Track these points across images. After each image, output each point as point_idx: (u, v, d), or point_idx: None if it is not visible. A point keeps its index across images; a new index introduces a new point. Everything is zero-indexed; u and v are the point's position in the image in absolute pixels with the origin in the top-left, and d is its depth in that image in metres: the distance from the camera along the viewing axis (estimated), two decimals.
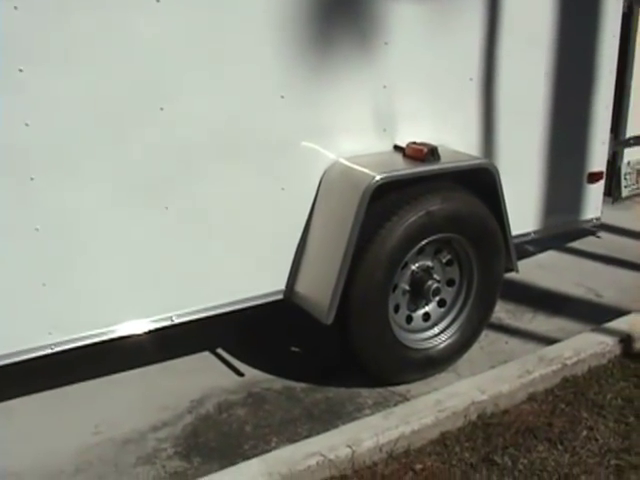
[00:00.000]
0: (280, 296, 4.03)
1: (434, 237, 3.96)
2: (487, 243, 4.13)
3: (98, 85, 3.34)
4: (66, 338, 3.55)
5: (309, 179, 3.93)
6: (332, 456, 3.38)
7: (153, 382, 4.17)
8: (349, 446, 3.43)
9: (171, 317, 3.77)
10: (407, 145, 4.01)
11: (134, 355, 4.22)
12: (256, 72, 3.65)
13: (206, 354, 4.43)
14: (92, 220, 3.48)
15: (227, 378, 4.22)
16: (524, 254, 5.50)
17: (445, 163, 3.96)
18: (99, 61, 3.32)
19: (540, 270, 5.45)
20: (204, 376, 4.22)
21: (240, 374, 4.25)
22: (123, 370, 4.21)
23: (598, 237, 5.89)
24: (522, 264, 4.74)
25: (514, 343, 4.58)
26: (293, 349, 4.54)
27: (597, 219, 5.14)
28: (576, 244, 5.83)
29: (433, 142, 4.03)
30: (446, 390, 3.89)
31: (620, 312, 4.79)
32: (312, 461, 3.35)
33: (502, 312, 4.88)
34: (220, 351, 4.44)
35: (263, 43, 3.65)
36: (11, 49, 3.13)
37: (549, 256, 5.71)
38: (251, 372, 4.27)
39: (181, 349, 4.38)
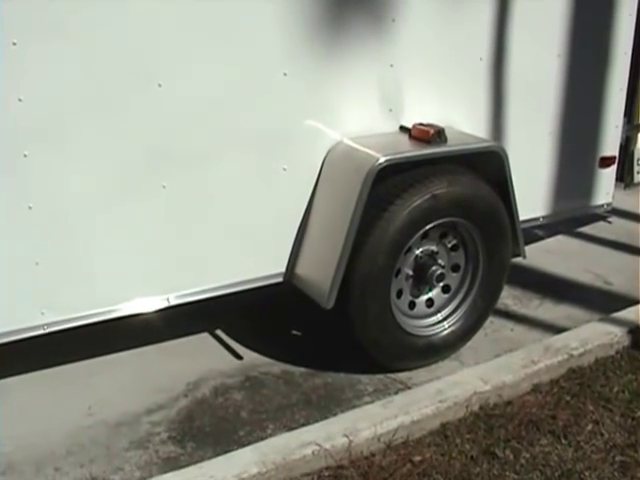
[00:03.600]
0: (280, 279, 3.94)
1: (439, 221, 3.85)
2: (494, 228, 4.01)
3: (94, 60, 3.23)
4: (59, 318, 3.47)
5: (312, 159, 3.81)
6: (328, 446, 3.29)
7: (149, 363, 4.09)
8: (346, 436, 3.34)
9: (168, 298, 3.68)
10: (413, 126, 3.89)
11: (131, 335, 4.12)
12: (258, 48, 3.53)
13: (205, 335, 4.34)
14: (87, 198, 3.38)
15: (225, 361, 4.13)
16: (532, 239, 5.38)
17: (452, 145, 3.84)
18: (95, 35, 3.20)
19: (548, 255, 5.33)
20: (201, 358, 4.14)
21: (238, 357, 4.16)
22: (119, 350, 4.13)
23: (609, 222, 5.76)
24: (530, 249, 4.64)
25: (520, 331, 4.47)
26: (294, 332, 4.44)
27: (608, 205, 5.02)
28: (586, 229, 5.71)
29: (440, 123, 3.91)
30: (448, 379, 3.79)
31: (629, 300, 4.68)
32: (308, 450, 3.26)
33: (508, 298, 4.77)
34: (219, 333, 4.35)
35: (265, 19, 3.52)
36: (4, 21, 3.01)
37: (558, 241, 5.59)
38: (250, 355, 4.18)
39: (179, 330, 4.29)
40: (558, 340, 4.13)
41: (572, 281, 5.06)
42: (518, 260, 4.37)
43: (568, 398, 3.79)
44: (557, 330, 4.39)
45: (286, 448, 3.27)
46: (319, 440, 3.30)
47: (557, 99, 4.50)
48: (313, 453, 3.26)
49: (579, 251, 5.48)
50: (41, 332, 3.45)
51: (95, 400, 3.79)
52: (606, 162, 4.85)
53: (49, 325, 3.45)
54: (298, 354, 4.18)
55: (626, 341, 4.22)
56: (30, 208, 3.26)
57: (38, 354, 3.89)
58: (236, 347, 4.24)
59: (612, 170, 4.92)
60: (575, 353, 4.01)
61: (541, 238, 5.53)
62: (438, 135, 3.79)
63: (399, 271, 3.90)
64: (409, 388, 3.89)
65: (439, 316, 4.09)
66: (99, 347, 4.08)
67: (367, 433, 3.39)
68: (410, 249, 3.89)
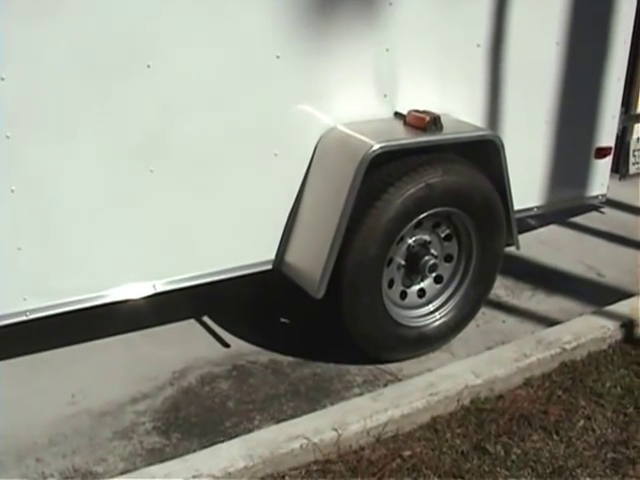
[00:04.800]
0: (269, 266, 3.85)
1: (433, 211, 3.77)
2: (488, 218, 3.93)
3: (81, 39, 3.12)
4: (42, 305, 3.38)
5: (304, 145, 3.72)
6: (317, 440, 3.22)
7: (135, 350, 4.01)
8: (335, 429, 3.27)
9: (154, 285, 3.59)
10: (408, 113, 3.80)
11: (116, 321, 4.03)
12: (250, 30, 3.43)
13: (191, 322, 4.26)
14: (72, 182, 3.28)
15: (212, 349, 4.05)
16: (525, 228, 5.31)
17: (447, 134, 3.75)
18: (82, 12, 3.09)
19: (541, 245, 5.26)
20: (188, 346, 4.05)
21: (226, 345, 4.08)
22: (104, 336, 4.04)
23: (602, 212, 5.69)
24: (523, 238, 4.57)
25: (511, 322, 4.40)
26: (283, 320, 4.36)
27: (603, 196, 4.94)
28: (579, 219, 5.63)
29: (436, 110, 3.81)
30: (439, 372, 3.72)
31: (622, 293, 4.62)
32: (296, 444, 3.19)
33: (500, 289, 4.70)
34: (206, 320, 4.27)
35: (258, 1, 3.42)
36: None
37: (550, 231, 5.51)
38: (237, 343, 4.10)
39: (166, 316, 4.20)
40: (550, 333, 4.06)
41: (565, 272, 4.99)
42: (510, 250, 4.29)
43: (560, 393, 3.73)
44: (549, 322, 4.33)
45: (274, 442, 3.20)
46: (307, 434, 3.23)
47: (555, 88, 4.42)
48: (301, 447, 3.19)
49: (572, 242, 5.41)
50: (23, 318, 3.36)
51: (79, 388, 3.70)
52: (602, 153, 4.77)
53: (31, 312, 3.36)
54: (286, 343, 4.10)
55: (619, 335, 4.16)
56: (13, 191, 3.16)
57: (20, 340, 3.79)
58: (223, 334, 4.16)
59: (608, 161, 4.85)
60: (568, 347, 3.95)
61: (533, 228, 5.45)
62: (434, 123, 3.70)
63: (391, 260, 3.82)
64: (399, 380, 3.83)
65: (431, 307, 4.01)
66: (83, 333, 3.99)
67: (356, 427, 3.32)
68: (402, 238, 3.81)
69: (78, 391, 3.68)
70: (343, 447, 3.28)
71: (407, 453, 3.30)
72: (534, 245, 5.20)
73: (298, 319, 4.34)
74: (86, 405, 3.60)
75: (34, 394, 3.65)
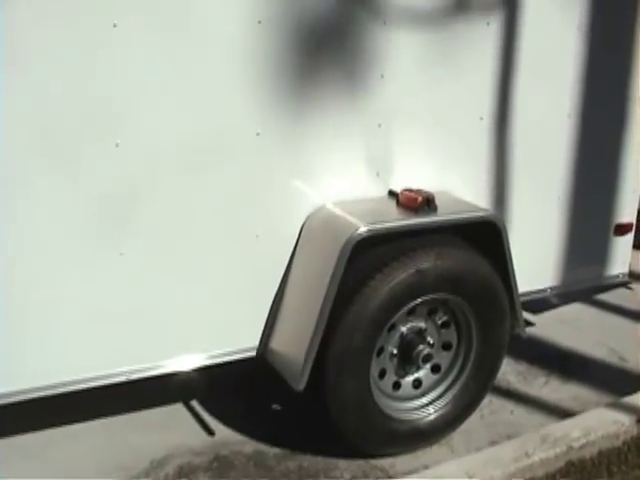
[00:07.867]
0: (253, 353, 3.62)
1: (426, 298, 3.51)
2: (489, 305, 3.66)
3: (42, 110, 2.96)
4: (5, 391, 3.18)
5: (289, 225, 3.51)
6: None
7: (115, 436, 3.79)
8: None
9: (127, 372, 3.38)
10: (401, 192, 3.57)
11: (98, 404, 3.83)
12: (225, 106, 3.24)
13: (178, 407, 4.03)
14: (37, 265, 3.10)
15: (195, 436, 3.82)
16: (546, 307, 5.02)
17: (441, 215, 3.50)
18: (45, 84, 2.94)
19: (561, 325, 4.95)
20: (171, 432, 3.83)
21: (211, 432, 3.85)
22: (86, 420, 3.84)
23: (629, 289, 5.35)
24: (542, 318, 4.32)
25: (520, 413, 4.09)
26: (275, 407, 4.11)
27: (624, 275, 4.61)
28: (604, 297, 5.27)
29: (435, 189, 3.59)
30: (430, 472, 3.44)
31: None
32: None
33: (512, 374, 4.40)
34: (194, 404, 4.04)
35: (233, 72, 3.24)
36: None
37: (573, 309, 5.18)
38: (223, 431, 3.86)
39: (153, 400, 3.99)
40: (557, 429, 3.74)
41: (584, 356, 4.67)
42: (529, 329, 4.00)
43: None
44: (561, 413, 4.03)
45: None
46: None
47: (567, 161, 4.13)
48: None
49: (594, 321, 5.09)
50: None
51: (49, 476, 3.49)
52: (622, 229, 4.45)
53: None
54: (276, 432, 3.85)
55: (634, 430, 3.83)
56: None
57: None
58: (210, 421, 3.92)
59: (629, 238, 4.53)
60: (575, 445, 3.63)
61: (555, 306, 5.13)
62: (427, 203, 3.46)
63: (382, 349, 3.56)
64: (390, 477, 3.55)
65: (424, 399, 3.72)
66: (61, 416, 3.79)
67: None
68: (394, 326, 3.56)
69: None
70: None
71: None
72: (553, 325, 4.91)
73: (290, 406, 4.08)
74: None
75: None
